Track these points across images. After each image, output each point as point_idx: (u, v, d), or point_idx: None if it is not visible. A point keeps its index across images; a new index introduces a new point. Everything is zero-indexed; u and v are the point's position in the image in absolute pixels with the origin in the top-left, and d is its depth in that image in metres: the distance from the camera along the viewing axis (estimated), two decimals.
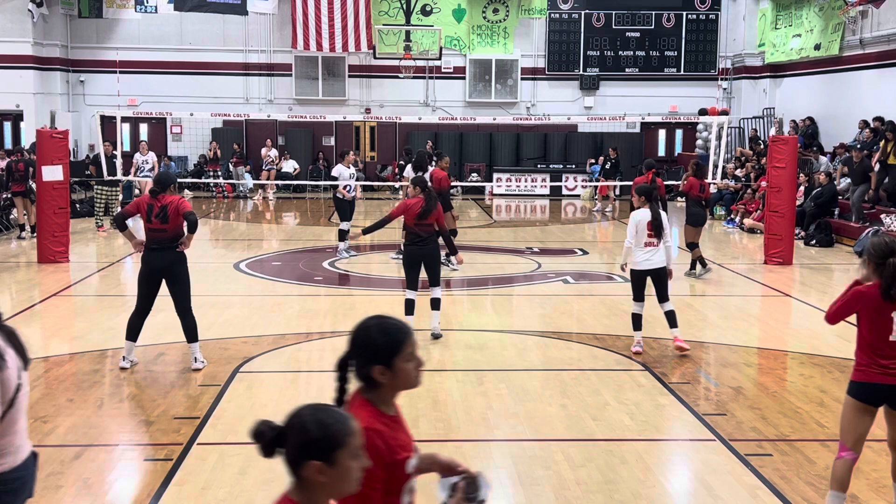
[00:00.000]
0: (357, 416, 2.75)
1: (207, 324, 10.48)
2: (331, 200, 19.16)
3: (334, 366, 3.03)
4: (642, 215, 9.13)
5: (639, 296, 9.27)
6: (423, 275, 9.80)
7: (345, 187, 15.33)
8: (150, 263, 8.53)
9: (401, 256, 10.39)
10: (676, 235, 15.92)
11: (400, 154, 26.54)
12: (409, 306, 9.71)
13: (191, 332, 8.67)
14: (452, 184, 19.76)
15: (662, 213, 9.25)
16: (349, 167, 15.50)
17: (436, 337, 9.71)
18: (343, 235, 15.54)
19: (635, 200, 9.32)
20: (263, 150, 26.50)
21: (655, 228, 9.08)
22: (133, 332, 8.61)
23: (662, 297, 9.27)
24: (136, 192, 22.28)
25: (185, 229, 8.41)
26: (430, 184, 10.28)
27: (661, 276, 9.22)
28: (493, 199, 26.77)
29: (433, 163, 15.17)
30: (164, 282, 8.61)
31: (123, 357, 8.65)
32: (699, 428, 7.17)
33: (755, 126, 26.95)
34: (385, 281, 13.49)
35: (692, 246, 13.80)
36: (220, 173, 26.43)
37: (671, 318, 9.29)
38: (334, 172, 15.48)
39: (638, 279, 9.25)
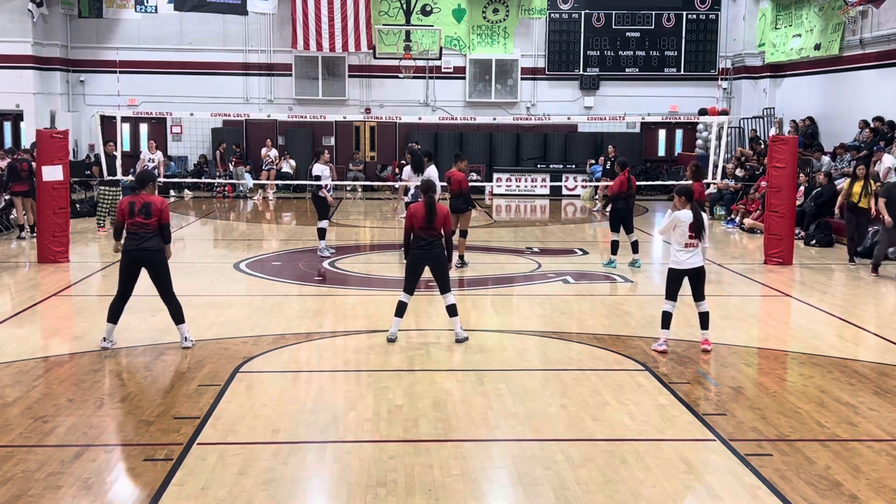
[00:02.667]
0: None
1: (207, 324, 10.50)
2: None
3: None
4: (685, 216, 9.20)
5: (673, 295, 9.33)
6: (427, 275, 9.81)
7: (326, 186, 15.40)
8: (131, 255, 9.13)
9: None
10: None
11: (401, 154, 26.55)
12: (401, 308, 9.69)
13: (177, 315, 9.28)
14: None
15: (704, 215, 9.34)
16: (326, 166, 15.52)
17: (460, 341, 9.66)
18: (323, 234, 15.62)
19: (677, 202, 9.38)
20: (263, 150, 26.50)
21: (697, 229, 9.17)
22: (114, 315, 9.28)
23: (699, 296, 9.35)
24: None
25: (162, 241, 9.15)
26: (437, 185, 10.20)
27: (699, 277, 9.31)
28: (493, 199, 26.77)
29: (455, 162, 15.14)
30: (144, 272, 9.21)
31: (104, 338, 9.30)
32: (699, 428, 7.17)
33: (755, 126, 26.96)
34: (385, 281, 13.50)
35: None
36: (220, 173, 26.43)
37: (705, 319, 9.38)
38: (316, 171, 15.45)
39: (676, 278, 9.31)
